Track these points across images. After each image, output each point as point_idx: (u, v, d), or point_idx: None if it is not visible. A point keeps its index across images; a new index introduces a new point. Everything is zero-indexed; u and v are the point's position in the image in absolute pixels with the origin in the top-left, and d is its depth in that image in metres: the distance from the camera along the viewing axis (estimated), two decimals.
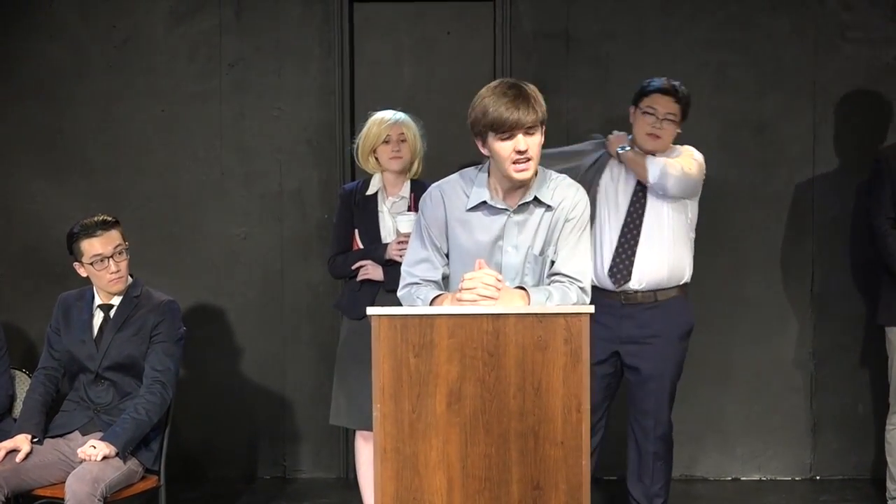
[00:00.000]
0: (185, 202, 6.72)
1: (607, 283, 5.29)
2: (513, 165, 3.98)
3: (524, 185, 4.07)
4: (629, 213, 5.32)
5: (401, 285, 4.16)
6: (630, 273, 5.26)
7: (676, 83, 5.35)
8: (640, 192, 5.32)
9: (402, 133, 5.38)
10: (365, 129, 5.45)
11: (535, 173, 4.10)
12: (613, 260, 5.29)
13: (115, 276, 5.07)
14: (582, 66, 6.59)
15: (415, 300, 4.05)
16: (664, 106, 5.30)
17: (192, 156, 6.72)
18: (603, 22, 6.61)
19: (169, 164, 6.71)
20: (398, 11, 6.72)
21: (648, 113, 5.30)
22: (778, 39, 6.58)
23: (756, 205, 6.52)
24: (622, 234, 5.30)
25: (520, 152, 3.95)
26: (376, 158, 5.43)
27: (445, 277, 4.18)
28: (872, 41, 6.54)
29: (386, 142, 5.37)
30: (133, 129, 6.70)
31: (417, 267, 4.14)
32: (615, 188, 5.35)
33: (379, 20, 6.72)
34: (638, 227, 5.30)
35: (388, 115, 5.43)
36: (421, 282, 4.12)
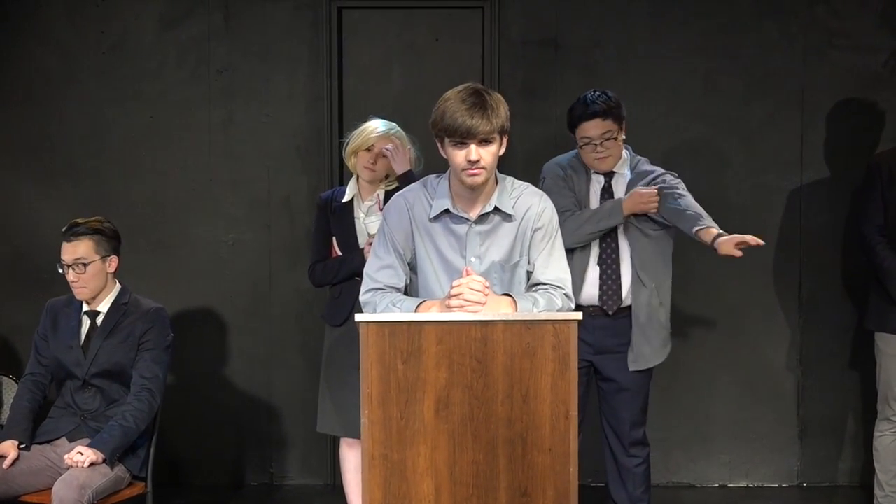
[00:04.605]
0: (173, 208, 6.71)
1: (587, 301, 5.22)
2: (463, 172, 3.97)
3: (483, 193, 4.06)
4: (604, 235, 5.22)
5: (363, 290, 4.13)
6: (620, 297, 5.22)
7: (597, 97, 5.14)
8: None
9: (386, 148, 5.38)
10: (358, 129, 5.45)
11: (496, 181, 4.10)
12: (601, 287, 5.20)
13: (74, 285, 5.09)
14: (570, 73, 6.60)
15: (387, 306, 4.02)
16: (596, 129, 5.14)
17: (180, 162, 6.71)
18: (591, 28, 6.62)
19: (157, 170, 6.70)
20: (387, 17, 6.72)
21: (586, 143, 5.16)
22: (766, 46, 6.59)
23: (744, 211, 6.52)
24: (602, 259, 5.19)
25: (471, 162, 3.94)
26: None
27: (407, 287, 4.16)
28: (860, 48, 6.56)
29: (368, 149, 5.38)
30: (121, 135, 6.69)
31: (381, 273, 4.11)
32: (585, 201, 5.24)
33: (367, 26, 6.72)
34: (616, 248, 5.22)
35: (383, 126, 5.43)
36: (385, 288, 4.09)
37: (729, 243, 4.80)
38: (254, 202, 6.71)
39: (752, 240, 4.77)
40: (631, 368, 5.22)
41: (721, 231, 4.89)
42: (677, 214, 5.05)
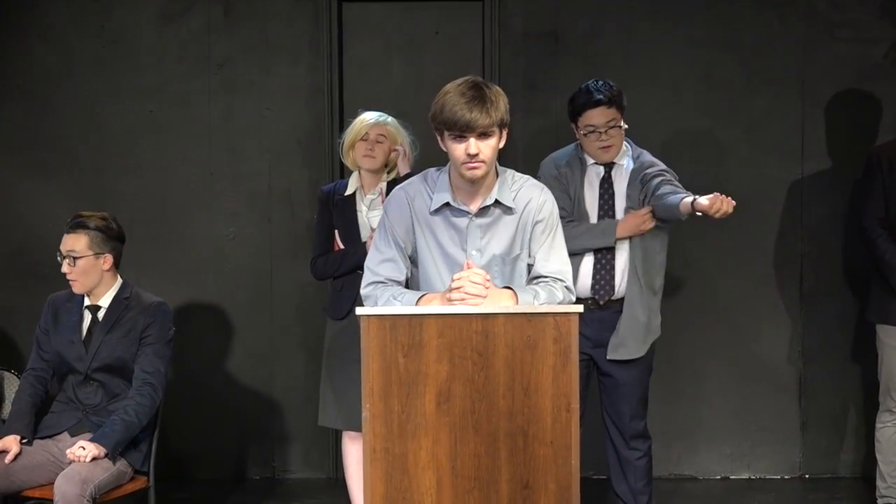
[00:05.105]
0: (173, 202, 6.71)
1: (581, 293, 5.20)
2: (462, 165, 3.97)
3: (483, 186, 4.06)
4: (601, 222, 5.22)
5: (364, 283, 4.14)
6: (613, 287, 5.21)
7: (601, 86, 5.14)
8: (608, 198, 5.22)
9: (381, 134, 5.40)
10: (351, 125, 5.48)
11: (497, 174, 4.10)
12: (594, 277, 5.19)
13: (67, 276, 5.08)
14: (571, 65, 6.59)
15: (388, 300, 4.02)
16: (601, 117, 5.12)
17: (180, 156, 6.70)
18: (592, 21, 6.61)
19: (157, 164, 6.70)
20: (387, 11, 6.72)
21: (591, 132, 5.15)
22: (767, 37, 6.58)
23: (745, 203, 6.49)
24: (597, 248, 5.18)
25: (470, 155, 3.94)
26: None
27: (408, 280, 4.16)
28: (861, 40, 6.55)
29: (363, 139, 5.39)
30: (121, 129, 6.69)
31: (382, 266, 4.11)
32: (580, 196, 5.23)
33: (368, 20, 6.72)
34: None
35: (374, 115, 5.47)
36: (386, 281, 4.09)
37: (710, 200, 4.76)
38: (254, 196, 6.71)
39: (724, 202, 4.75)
40: (609, 357, 5.21)
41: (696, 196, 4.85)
42: (669, 210, 5.01)
